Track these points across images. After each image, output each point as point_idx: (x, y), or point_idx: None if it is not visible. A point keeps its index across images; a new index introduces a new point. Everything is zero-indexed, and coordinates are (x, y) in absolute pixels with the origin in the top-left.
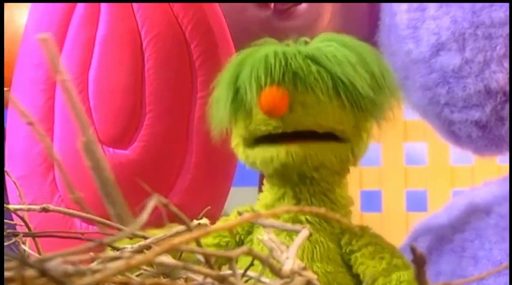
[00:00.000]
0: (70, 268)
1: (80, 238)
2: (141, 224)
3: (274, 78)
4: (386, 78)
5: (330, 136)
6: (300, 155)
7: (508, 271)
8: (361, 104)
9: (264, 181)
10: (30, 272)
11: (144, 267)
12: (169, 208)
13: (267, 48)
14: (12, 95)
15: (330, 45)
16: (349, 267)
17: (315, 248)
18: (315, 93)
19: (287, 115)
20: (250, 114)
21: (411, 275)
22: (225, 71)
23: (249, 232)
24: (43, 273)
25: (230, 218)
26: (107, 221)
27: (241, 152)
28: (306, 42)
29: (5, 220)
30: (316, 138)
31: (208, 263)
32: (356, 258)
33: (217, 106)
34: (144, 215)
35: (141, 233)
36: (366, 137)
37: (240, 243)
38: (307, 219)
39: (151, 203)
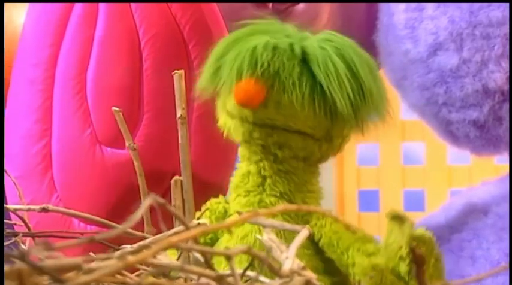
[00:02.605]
0: (66, 265)
1: (79, 238)
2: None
3: (254, 72)
4: (374, 94)
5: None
6: (267, 123)
7: (506, 271)
8: (337, 116)
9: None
10: (26, 268)
11: (143, 267)
12: (165, 207)
13: (261, 39)
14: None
15: (325, 48)
16: (316, 249)
17: (280, 233)
18: (289, 97)
19: (259, 110)
20: (227, 94)
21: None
22: (220, 43)
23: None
24: (40, 269)
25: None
26: (105, 221)
27: (223, 117)
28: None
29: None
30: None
31: (206, 261)
32: (329, 228)
33: (202, 75)
34: (138, 214)
35: (135, 231)
36: (338, 142)
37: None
38: (271, 202)
39: (146, 202)
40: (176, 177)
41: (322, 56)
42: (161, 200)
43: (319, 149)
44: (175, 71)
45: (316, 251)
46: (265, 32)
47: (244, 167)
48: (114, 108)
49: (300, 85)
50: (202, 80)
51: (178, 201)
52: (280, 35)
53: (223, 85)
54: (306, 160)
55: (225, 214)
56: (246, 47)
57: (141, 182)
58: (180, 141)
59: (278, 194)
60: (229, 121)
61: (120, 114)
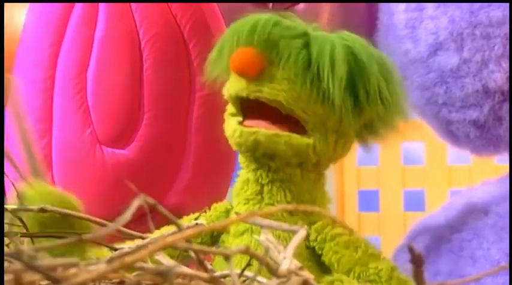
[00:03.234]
0: (63, 265)
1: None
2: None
3: (253, 41)
4: (383, 92)
5: (293, 124)
6: (250, 139)
7: (505, 271)
8: (334, 107)
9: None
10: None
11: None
12: (156, 208)
13: (267, 14)
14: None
15: (331, 36)
16: (317, 261)
17: (281, 243)
18: (284, 72)
19: (254, 82)
20: (229, 75)
21: (388, 265)
22: (226, 31)
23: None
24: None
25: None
26: (103, 221)
27: (226, 124)
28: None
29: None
30: (280, 120)
31: (200, 262)
32: (330, 247)
33: (209, 58)
34: (128, 213)
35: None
36: (333, 139)
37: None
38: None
39: (136, 202)
40: None
41: (323, 39)
42: (151, 200)
43: (314, 151)
44: None
45: (316, 263)
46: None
47: (244, 174)
48: None
49: (295, 61)
50: (209, 62)
51: None
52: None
53: (222, 54)
54: (302, 166)
55: (227, 213)
56: (249, 20)
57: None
58: None
59: (276, 203)
60: (226, 124)
61: None
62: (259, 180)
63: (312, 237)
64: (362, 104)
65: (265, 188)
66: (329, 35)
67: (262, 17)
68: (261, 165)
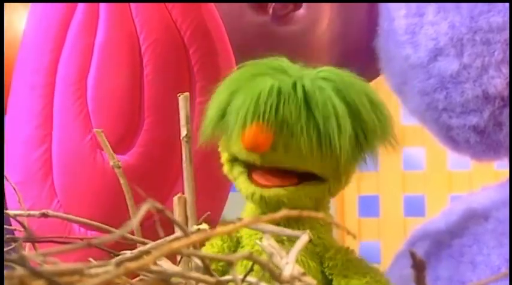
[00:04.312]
0: (66, 270)
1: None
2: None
3: (261, 117)
4: (377, 131)
5: (308, 174)
6: (273, 201)
7: (506, 277)
8: (342, 157)
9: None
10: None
11: (144, 273)
12: (164, 213)
13: (264, 82)
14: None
15: (325, 89)
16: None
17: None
18: (298, 141)
19: (268, 153)
20: (233, 140)
21: None
22: (222, 87)
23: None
24: (39, 275)
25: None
26: (105, 226)
27: (227, 170)
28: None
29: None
30: (295, 175)
31: (206, 268)
32: (340, 271)
33: (206, 122)
34: (136, 220)
35: (129, 236)
36: (344, 179)
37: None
38: (288, 238)
39: (144, 208)
40: (179, 194)
41: (321, 98)
42: (159, 206)
43: (329, 191)
44: (180, 93)
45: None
46: (265, 73)
47: (254, 210)
48: (95, 130)
49: (307, 131)
50: (206, 127)
51: (181, 218)
52: (279, 73)
53: (229, 133)
54: (316, 201)
55: (238, 244)
56: (251, 94)
57: (129, 201)
58: (184, 159)
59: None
60: (235, 181)
61: (102, 134)
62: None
63: (325, 264)
64: (361, 144)
65: (281, 224)
66: (321, 88)
67: (263, 90)
68: (276, 210)
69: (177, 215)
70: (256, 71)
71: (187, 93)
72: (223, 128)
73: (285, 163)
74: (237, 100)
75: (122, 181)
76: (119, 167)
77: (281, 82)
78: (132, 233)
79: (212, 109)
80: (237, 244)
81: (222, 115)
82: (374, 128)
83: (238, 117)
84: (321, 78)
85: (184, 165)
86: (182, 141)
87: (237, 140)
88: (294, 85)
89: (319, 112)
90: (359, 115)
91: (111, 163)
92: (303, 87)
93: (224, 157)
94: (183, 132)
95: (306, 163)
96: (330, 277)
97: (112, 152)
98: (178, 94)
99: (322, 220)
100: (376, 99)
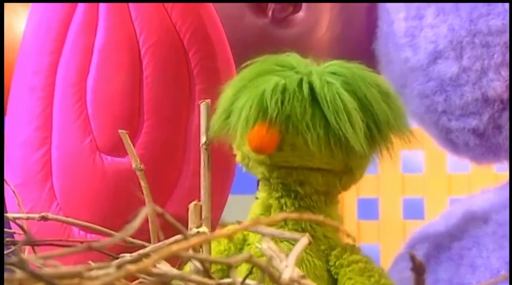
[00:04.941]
0: (66, 273)
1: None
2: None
3: (266, 117)
4: (390, 122)
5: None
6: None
7: (505, 280)
8: (354, 150)
9: (255, 194)
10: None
11: (143, 276)
12: (164, 216)
13: (269, 81)
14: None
15: (334, 83)
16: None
17: (302, 266)
18: (304, 139)
19: (275, 153)
20: (241, 140)
21: None
22: (228, 88)
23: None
24: (39, 278)
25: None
26: (105, 229)
27: (240, 155)
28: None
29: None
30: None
31: (206, 270)
32: (345, 272)
33: (213, 122)
34: (136, 223)
35: (128, 239)
36: (359, 172)
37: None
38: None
39: (144, 211)
40: (195, 202)
41: (330, 94)
42: (159, 209)
43: (340, 182)
44: (202, 100)
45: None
46: (272, 70)
47: (265, 201)
48: (121, 131)
49: (313, 127)
50: (213, 126)
51: (195, 225)
52: (287, 70)
53: (236, 133)
54: (327, 193)
55: (244, 242)
56: (255, 93)
57: (148, 201)
58: (202, 166)
59: (300, 229)
60: (246, 160)
61: (127, 136)
62: (283, 208)
63: (331, 263)
64: (375, 137)
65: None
66: (329, 83)
67: (267, 88)
68: (287, 192)
69: (191, 222)
70: (262, 69)
71: (208, 100)
72: (228, 128)
73: (293, 161)
74: (240, 101)
75: (142, 184)
76: (141, 170)
77: (287, 79)
78: (133, 236)
79: (218, 110)
80: (243, 242)
81: (227, 115)
82: (386, 119)
83: (241, 117)
84: (330, 73)
85: (202, 172)
86: (201, 148)
87: (244, 141)
88: (300, 82)
89: (328, 108)
90: (370, 108)
91: (134, 166)
92: (310, 83)
93: (238, 156)
94: (203, 139)
95: (314, 161)
96: (336, 276)
97: (135, 154)
98: (200, 101)
99: (322, 222)
100: (387, 90)
